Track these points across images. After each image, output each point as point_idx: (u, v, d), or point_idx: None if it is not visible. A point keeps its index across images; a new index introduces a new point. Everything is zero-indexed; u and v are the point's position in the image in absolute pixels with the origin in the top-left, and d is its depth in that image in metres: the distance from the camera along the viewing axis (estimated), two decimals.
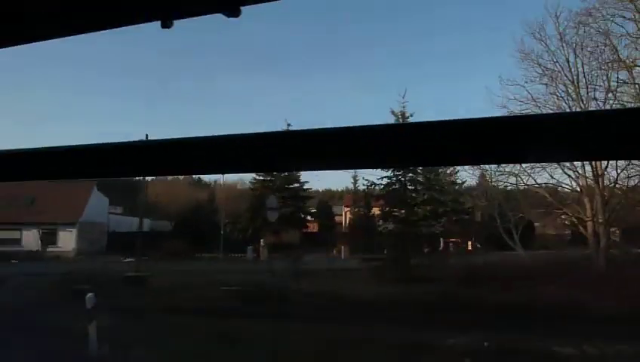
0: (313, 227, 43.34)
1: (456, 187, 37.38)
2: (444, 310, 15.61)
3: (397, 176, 28.90)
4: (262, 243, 32.90)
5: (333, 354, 11.31)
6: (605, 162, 21.98)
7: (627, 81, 24.06)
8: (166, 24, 1.44)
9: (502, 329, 13.47)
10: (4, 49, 1.72)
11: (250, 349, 11.77)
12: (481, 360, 11.61)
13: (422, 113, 36.75)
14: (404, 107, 27.25)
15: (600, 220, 25.25)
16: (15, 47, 1.73)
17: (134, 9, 1.52)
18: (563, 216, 27.91)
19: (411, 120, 27.34)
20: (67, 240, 34.57)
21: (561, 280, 20.12)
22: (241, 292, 17.99)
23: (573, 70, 25.39)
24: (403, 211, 29.47)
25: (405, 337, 12.57)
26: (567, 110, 25.09)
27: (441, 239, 40.18)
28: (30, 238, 34.01)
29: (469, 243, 40.46)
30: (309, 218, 42.36)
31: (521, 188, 26.85)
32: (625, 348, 12.45)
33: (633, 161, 21.31)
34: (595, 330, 13.34)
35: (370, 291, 19.00)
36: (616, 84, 24.46)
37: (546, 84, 25.70)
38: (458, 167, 32.17)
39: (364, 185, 33.06)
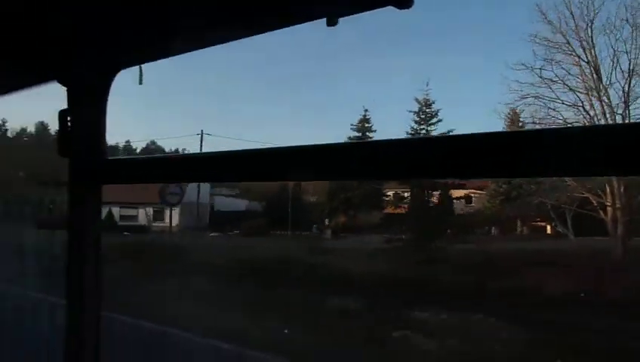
0: (402, 208, 46.09)
1: None
2: (377, 285, 19.23)
3: None
4: (326, 223, 37.18)
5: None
6: None
7: None
8: (332, 22, 1.47)
9: (396, 301, 17.01)
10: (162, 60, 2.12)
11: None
12: (342, 316, 15.50)
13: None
14: (427, 94, 29.96)
15: (618, 205, 25.78)
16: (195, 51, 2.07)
17: (302, 8, 1.61)
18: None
19: (434, 107, 29.80)
20: (172, 217, 41.60)
21: (567, 268, 21.43)
22: (238, 264, 22.65)
23: (591, 51, 25.65)
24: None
25: (305, 297, 16.83)
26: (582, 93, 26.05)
27: (518, 221, 41.29)
28: (144, 215, 41.50)
29: (549, 226, 40.92)
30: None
31: None
32: (482, 319, 15.35)
33: None
34: (498, 308, 16.17)
35: (355, 267, 22.56)
36: None
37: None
38: None
39: None
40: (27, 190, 44.04)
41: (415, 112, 30.55)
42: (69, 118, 2.49)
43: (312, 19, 1.56)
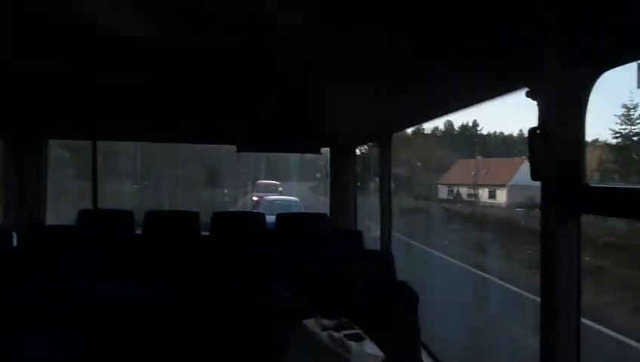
0: None
1: None
2: None
3: None
4: None
5: None
6: None
7: None
8: None
9: None
10: None
11: None
12: None
13: None
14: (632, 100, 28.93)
15: None
16: None
17: None
18: None
19: None
20: (502, 196, 47.54)
21: None
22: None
23: None
24: None
25: None
26: None
27: None
28: (482, 194, 48.48)
29: None
30: None
31: None
32: None
33: None
34: None
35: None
36: None
37: None
38: None
39: None
40: (421, 177, 52.37)
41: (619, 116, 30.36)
42: (540, 137, 1.93)
43: None
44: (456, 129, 62.54)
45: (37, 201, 6.05)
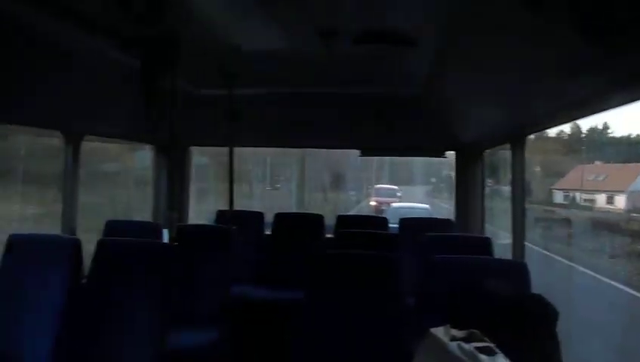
0: None
1: None
2: None
3: None
4: None
5: None
6: None
7: None
8: None
9: None
10: None
11: None
12: None
13: None
14: None
15: None
16: None
17: None
18: None
19: None
20: (620, 203, 43.42)
21: None
22: None
23: None
24: None
25: None
26: None
27: None
28: (599, 199, 44.53)
29: None
30: None
31: None
32: None
33: None
34: None
35: None
36: None
37: None
38: None
39: None
40: (538, 182, 49.16)
41: None
42: None
43: None
44: (584, 132, 56.73)
45: (182, 202, 6.30)
